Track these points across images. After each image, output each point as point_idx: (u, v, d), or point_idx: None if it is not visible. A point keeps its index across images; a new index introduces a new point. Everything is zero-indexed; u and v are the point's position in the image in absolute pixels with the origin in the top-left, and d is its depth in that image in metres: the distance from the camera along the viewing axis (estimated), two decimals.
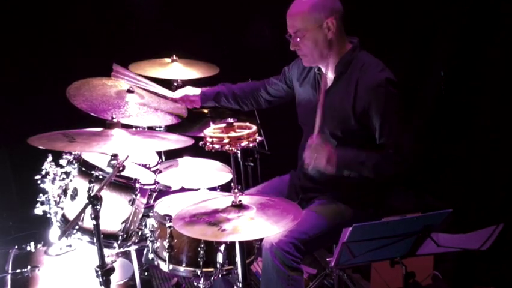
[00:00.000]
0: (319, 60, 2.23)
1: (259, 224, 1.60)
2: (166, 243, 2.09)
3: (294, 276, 2.07)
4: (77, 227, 2.04)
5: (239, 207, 1.69)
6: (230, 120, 1.69)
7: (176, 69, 2.86)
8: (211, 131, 1.69)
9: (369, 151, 2.15)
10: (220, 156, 2.51)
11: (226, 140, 1.62)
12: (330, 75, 2.27)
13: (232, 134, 1.64)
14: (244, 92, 2.66)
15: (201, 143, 1.69)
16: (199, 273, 2.07)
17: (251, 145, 1.65)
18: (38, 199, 2.29)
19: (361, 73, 2.15)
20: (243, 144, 1.63)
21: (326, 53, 2.19)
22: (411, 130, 2.16)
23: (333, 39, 2.17)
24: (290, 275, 2.06)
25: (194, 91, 2.62)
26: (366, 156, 2.13)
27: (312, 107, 2.32)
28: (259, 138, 1.68)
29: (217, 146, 1.63)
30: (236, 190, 1.70)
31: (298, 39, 2.16)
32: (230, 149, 1.63)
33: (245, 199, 1.75)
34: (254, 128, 1.69)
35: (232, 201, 1.70)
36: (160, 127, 2.63)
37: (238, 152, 1.66)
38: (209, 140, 1.65)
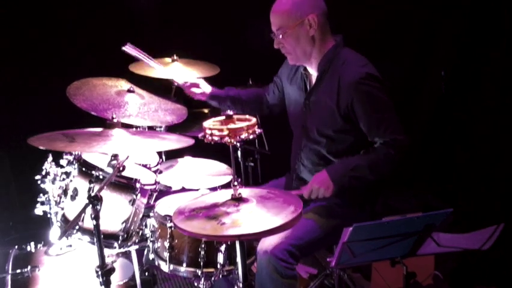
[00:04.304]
0: (302, 58, 2.24)
1: (259, 216, 1.59)
2: (166, 244, 2.09)
3: (288, 283, 2.07)
4: (77, 227, 2.04)
5: (239, 200, 1.67)
6: (229, 112, 1.68)
7: (176, 69, 2.85)
8: (211, 123, 1.68)
9: (359, 155, 2.16)
10: (219, 154, 2.52)
11: (225, 132, 1.60)
12: (314, 74, 2.27)
13: (232, 126, 1.63)
14: (250, 99, 2.66)
15: (200, 135, 1.68)
16: (199, 274, 2.07)
17: (251, 137, 1.63)
18: (38, 199, 2.29)
19: (343, 69, 2.16)
20: (242, 136, 1.61)
21: (309, 50, 2.20)
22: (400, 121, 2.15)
23: (315, 36, 2.18)
24: (284, 282, 2.06)
25: (205, 88, 2.61)
26: (356, 160, 2.14)
27: (300, 108, 2.33)
28: (258, 131, 1.66)
29: (216, 138, 1.61)
30: (236, 183, 1.69)
31: (281, 37, 2.18)
32: (229, 141, 1.61)
33: (245, 192, 1.73)
34: (253, 120, 1.67)
35: (232, 195, 1.70)
36: (160, 127, 2.63)
37: (238, 144, 1.64)
38: (208, 132, 1.63)
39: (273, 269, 2.04)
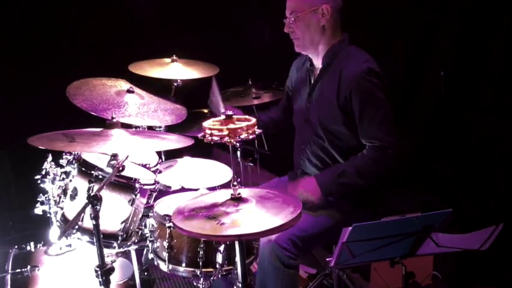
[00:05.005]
0: (309, 46, 2.26)
1: (258, 216, 1.59)
2: (165, 243, 2.09)
3: (290, 272, 2.09)
4: (76, 226, 2.04)
5: (238, 200, 1.67)
6: (229, 112, 1.68)
7: (176, 69, 2.85)
8: (211, 123, 1.68)
9: (348, 161, 2.17)
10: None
11: (225, 132, 1.61)
12: (318, 67, 2.29)
13: (231, 126, 1.63)
14: (277, 115, 2.71)
15: (200, 135, 1.68)
16: (198, 274, 2.07)
17: (250, 137, 1.64)
18: (38, 199, 2.29)
19: (345, 63, 2.19)
20: (242, 137, 1.62)
21: (317, 39, 2.22)
22: (393, 123, 2.16)
23: (326, 27, 2.20)
24: (285, 271, 2.08)
25: None
26: (345, 166, 2.15)
27: (304, 102, 2.34)
28: (258, 131, 1.67)
29: (216, 138, 1.62)
30: (235, 183, 1.69)
31: (293, 20, 2.20)
32: (229, 141, 1.62)
33: (244, 192, 1.73)
34: (253, 120, 1.68)
35: (231, 195, 1.70)
36: (160, 127, 2.63)
37: (238, 144, 1.63)
38: (208, 132, 1.64)
39: (275, 257, 2.06)
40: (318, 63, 2.31)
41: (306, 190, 2.15)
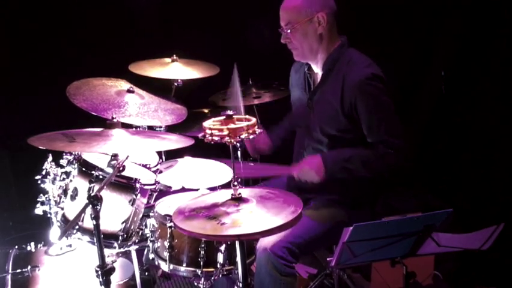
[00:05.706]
0: (309, 55, 2.25)
1: (259, 216, 1.59)
2: (166, 243, 2.09)
3: (287, 280, 2.08)
4: (77, 227, 2.04)
5: (239, 200, 1.67)
6: (229, 112, 1.68)
7: (176, 69, 2.85)
8: (211, 123, 1.67)
9: (356, 148, 2.16)
10: (219, 153, 2.52)
11: (225, 132, 1.61)
12: (318, 73, 2.28)
13: (232, 126, 1.63)
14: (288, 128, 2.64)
15: (200, 135, 1.68)
16: (199, 273, 2.07)
17: (251, 137, 1.63)
18: (38, 199, 2.29)
19: (347, 69, 2.17)
20: (242, 136, 1.61)
21: (315, 47, 2.21)
22: (401, 124, 2.15)
23: (323, 34, 2.19)
24: (282, 280, 2.07)
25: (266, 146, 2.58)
26: (352, 152, 2.14)
27: (304, 108, 2.33)
28: (258, 131, 1.66)
29: (216, 138, 1.61)
30: (235, 183, 1.68)
31: (289, 31, 2.19)
32: (230, 141, 1.61)
33: (245, 192, 1.73)
34: (253, 120, 1.67)
35: (232, 195, 1.70)
36: (160, 127, 2.63)
37: (238, 144, 1.63)
38: (208, 132, 1.63)
39: (272, 266, 2.05)
40: (317, 69, 2.30)
41: (310, 167, 2.13)
